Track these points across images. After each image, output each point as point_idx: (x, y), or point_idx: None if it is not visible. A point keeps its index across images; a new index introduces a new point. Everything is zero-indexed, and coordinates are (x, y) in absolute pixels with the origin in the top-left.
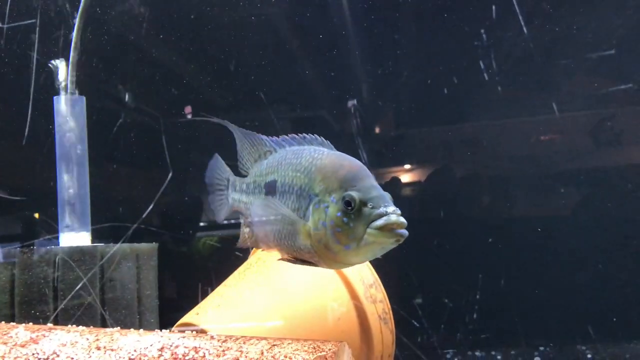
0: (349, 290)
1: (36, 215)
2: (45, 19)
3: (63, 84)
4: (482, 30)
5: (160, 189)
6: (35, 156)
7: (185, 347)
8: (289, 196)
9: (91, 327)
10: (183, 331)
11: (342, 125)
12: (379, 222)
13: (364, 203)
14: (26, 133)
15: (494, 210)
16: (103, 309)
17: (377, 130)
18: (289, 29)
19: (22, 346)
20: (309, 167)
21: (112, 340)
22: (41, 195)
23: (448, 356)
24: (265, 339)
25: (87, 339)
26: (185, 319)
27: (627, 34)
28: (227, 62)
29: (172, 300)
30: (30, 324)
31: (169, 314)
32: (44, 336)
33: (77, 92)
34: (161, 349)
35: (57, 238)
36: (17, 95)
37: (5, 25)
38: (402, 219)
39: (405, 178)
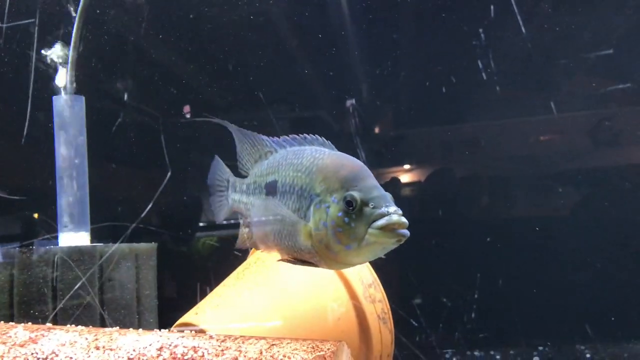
0: (348, 290)
1: (35, 215)
2: (45, 18)
3: (62, 85)
4: (481, 30)
5: (159, 188)
6: (34, 156)
7: (184, 346)
8: (289, 196)
9: (90, 326)
10: (182, 331)
11: (342, 126)
12: (381, 222)
13: (365, 203)
14: (25, 133)
15: (494, 210)
16: (102, 309)
17: (376, 130)
18: (288, 29)
19: (21, 346)
20: (310, 167)
21: (111, 339)
22: (40, 195)
23: (447, 356)
24: (264, 338)
25: (86, 339)
26: (184, 318)
27: (627, 34)
28: (226, 61)
29: (171, 300)
30: (29, 323)
31: (168, 314)
32: (43, 336)
33: (75, 89)
34: (160, 349)
35: (56, 238)
36: (16, 94)
37: (4, 25)
38: (404, 219)
39: (405, 178)
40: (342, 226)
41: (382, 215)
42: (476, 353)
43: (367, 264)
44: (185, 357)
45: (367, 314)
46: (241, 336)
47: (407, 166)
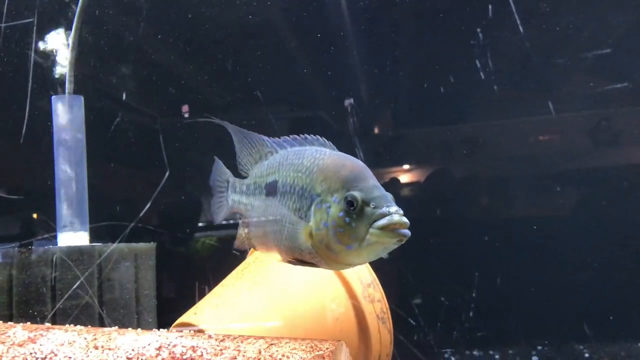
0: (347, 289)
1: (34, 215)
2: (44, 18)
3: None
4: (479, 30)
5: (158, 188)
6: (33, 156)
7: (183, 346)
8: (290, 197)
9: (89, 326)
10: (181, 331)
11: (341, 126)
12: (382, 222)
13: (366, 203)
14: (23, 132)
15: (493, 210)
16: (101, 309)
17: (375, 130)
18: (287, 29)
19: (20, 345)
20: (311, 168)
21: (110, 339)
22: (39, 195)
23: (446, 355)
24: (262, 338)
25: (85, 338)
26: (183, 318)
27: (627, 34)
28: (225, 61)
29: (171, 300)
30: (28, 323)
31: (167, 314)
32: (42, 335)
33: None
34: (159, 348)
35: (55, 237)
36: (15, 94)
37: (3, 25)
38: (405, 219)
39: (404, 178)
40: (343, 226)
41: (383, 215)
42: (475, 352)
43: (366, 263)
44: (184, 357)
45: (366, 313)
46: (240, 336)
47: (406, 166)
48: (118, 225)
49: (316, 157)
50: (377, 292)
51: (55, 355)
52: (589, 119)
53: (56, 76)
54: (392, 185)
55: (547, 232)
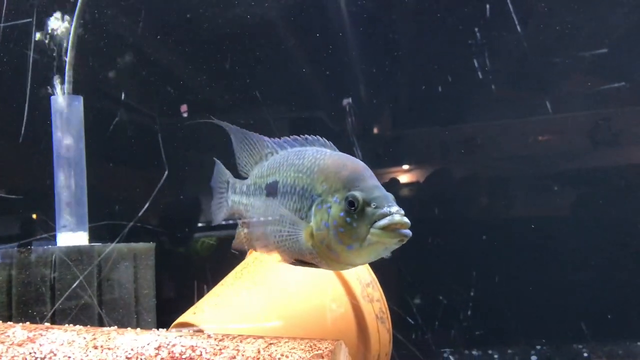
0: (346, 289)
1: (34, 216)
2: (43, 17)
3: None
4: (477, 29)
5: (157, 187)
6: (32, 155)
7: (182, 345)
8: (290, 197)
9: (88, 326)
10: (180, 330)
11: (340, 126)
12: (383, 222)
13: (367, 203)
14: (22, 132)
15: (493, 210)
16: (100, 309)
17: (375, 130)
18: (286, 29)
19: (20, 345)
20: (312, 168)
21: (109, 339)
22: (38, 195)
23: (445, 355)
24: (261, 337)
25: (84, 338)
26: (182, 318)
27: (627, 33)
28: (224, 61)
29: (170, 301)
30: (28, 323)
31: (166, 314)
32: (41, 335)
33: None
34: (158, 348)
35: (55, 237)
36: (14, 94)
37: (2, 24)
38: (406, 219)
39: (404, 179)
40: (344, 226)
41: (384, 215)
42: (474, 352)
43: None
44: (183, 356)
45: (365, 313)
46: (239, 335)
47: (406, 166)
48: (117, 225)
49: (317, 157)
50: (376, 291)
51: (55, 355)
52: (589, 119)
53: (55, 76)
54: (391, 186)
55: (547, 232)
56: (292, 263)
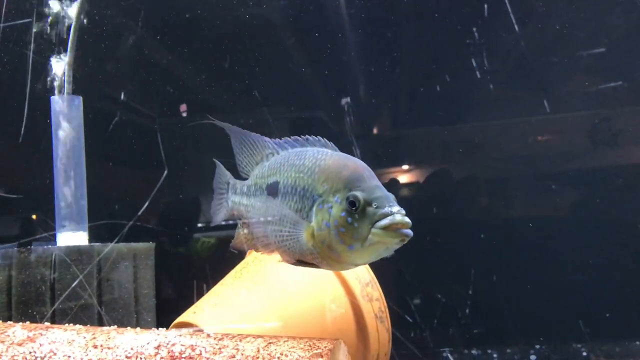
0: (346, 289)
1: (34, 216)
2: (42, 17)
3: (59, 84)
4: (476, 30)
5: (156, 186)
6: (32, 156)
7: (181, 345)
8: (291, 197)
9: (88, 325)
10: (180, 330)
11: (340, 126)
12: (384, 221)
13: (368, 203)
14: (22, 132)
15: (493, 210)
16: (100, 309)
17: (375, 131)
18: (285, 29)
19: (19, 345)
20: (313, 168)
21: (109, 338)
22: (38, 195)
23: (444, 354)
24: (261, 336)
25: (84, 338)
26: (182, 318)
27: (626, 33)
28: (223, 61)
29: (170, 300)
30: (28, 322)
31: (166, 314)
32: (41, 335)
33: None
34: (158, 347)
35: (54, 236)
36: (14, 94)
37: (2, 24)
38: (407, 219)
39: (403, 179)
40: (345, 226)
41: (386, 215)
42: (474, 351)
43: None
44: (183, 356)
45: (364, 312)
46: (238, 335)
47: (405, 167)
48: (117, 225)
49: (318, 157)
50: (376, 291)
51: (55, 354)
52: (589, 119)
53: (55, 76)
54: (391, 186)
55: (546, 231)
56: (293, 263)
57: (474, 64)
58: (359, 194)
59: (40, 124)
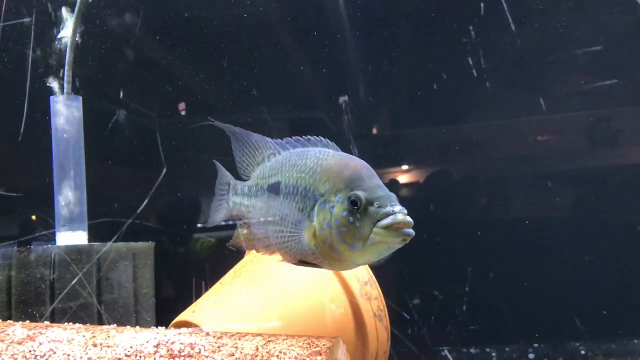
0: (345, 287)
1: (33, 217)
2: (42, 17)
3: (57, 86)
4: (474, 29)
5: (155, 184)
6: (32, 155)
7: (180, 343)
8: (293, 197)
9: (88, 324)
10: (179, 328)
11: (339, 126)
12: (386, 221)
13: (370, 202)
14: (22, 132)
15: (492, 210)
16: (100, 308)
17: (374, 131)
18: (284, 28)
19: (19, 343)
20: (314, 168)
21: (109, 337)
22: (38, 195)
23: (443, 353)
24: (260, 335)
25: (84, 336)
26: (181, 317)
27: (626, 33)
28: (222, 61)
29: (169, 300)
30: (27, 321)
31: (165, 314)
32: (41, 333)
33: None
34: (157, 345)
35: (54, 235)
36: (14, 94)
37: (1, 24)
38: (409, 218)
39: (403, 179)
40: (346, 226)
41: (387, 215)
42: (472, 350)
43: None
44: (182, 354)
45: (363, 311)
46: (237, 333)
47: (405, 167)
48: (117, 225)
49: (319, 157)
50: (374, 290)
51: (54, 352)
52: (588, 119)
53: (54, 76)
54: (391, 186)
55: (546, 231)
56: (294, 263)
57: (474, 63)
58: (360, 193)
59: (40, 124)
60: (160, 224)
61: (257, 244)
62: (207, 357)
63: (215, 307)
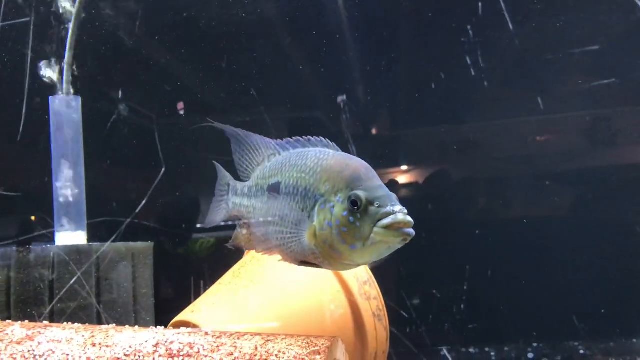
0: (344, 287)
1: (33, 217)
2: (41, 17)
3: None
4: (472, 28)
5: (154, 183)
6: (31, 155)
7: (180, 343)
8: (293, 197)
9: (87, 324)
10: (178, 328)
11: (338, 127)
12: (386, 220)
13: (370, 202)
14: (20, 132)
15: (492, 210)
16: (99, 307)
17: (373, 131)
18: (283, 28)
19: (18, 343)
20: (315, 168)
21: (108, 336)
22: (37, 195)
23: (442, 353)
24: (259, 334)
25: (83, 336)
26: (180, 317)
27: (625, 32)
28: (220, 61)
29: (168, 300)
30: (26, 321)
31: (164, 314)
32: (40, 333)
33: (72, 91)
34: (156, 345)
35: (53, 235)
36: (13, 94)
37: (1, 24)
38: (409, 218)
39: (402, 179)
40: (347, 225)
41: (388, 214)
42: (471, 350)
43: None
44: (181, 353)
45: (362, 311)
46: (236, 332)
47: (404, 167)
48: (116, 224)
49: (320, 157)
50: (374, 289)
51: (53, 352)
52: (588, 119)
53: (54, 76)
54: (390, 187)
55: (545, 231)
56: (295, 263)
57: (473, 63)
58: (361, 193)
59: (39, 124)
60: (160, 224)
61: (257, 244)
62: (206, 356)
63: (214, 307)
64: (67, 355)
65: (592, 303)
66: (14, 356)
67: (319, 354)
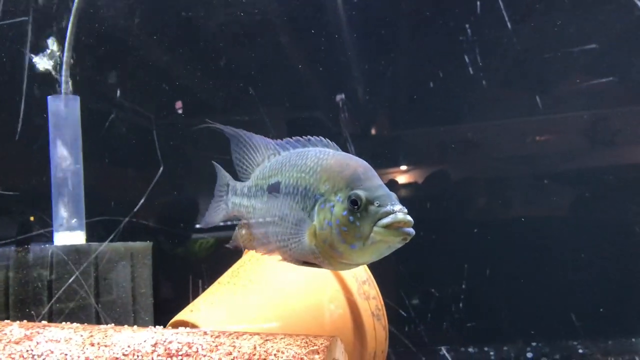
0: (343, 287)
1: (31, 218)
2: (39, 17)
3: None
4: (472, 28)
5: (152, 183)
6: (29, 155)
7: (178, 342)
8: (293, 197)
9: (85, 324)
10: (177, 328)
11: (338, 127)
12: (386, 220)
13: (370, 202)
14: (19, 131)
15: (491, 210)
16: (97, 307)
17: (372, 131)
18: (282, 28)
19: (17, 343)
20: (315, 168)
21: (106, 336)
22: (36, 195)
23: (441, 352)
24: (258, 334)
25: (81, 336)
26: (179, 316)
27: (625, 32)
28: (220, 61)
29: (167, 300)
30: (25, 321)
31: (163, 314)
32: (38, 333)
33: (71, 90)
34: (155, 345)
35: (51, 234)
36: (11, 93)
37: None
38: (409, 217)
39: (402, 179)
40: (347, 225)
41: (388, 214)
42: (470, 349)
43: None
44: (180, 353)
45: (361, 311)
46: (235, 332)
47: (404, 167)
48: (114, 224)
49: (320, 157)
50: (372, 289)
51: (52, 352)
52: (587, 119)
53: (52, 76)
54: (390, 187)
55: (545, 231)
56: (295, 263)
57: (472, 63)
58: (361, 192)
59: (38, 124)
60: (159, 224)
61: (256, 244)
62: (204, 356)
63: (212, 307)
64: (66, 355)
65: (592, 303)
66: (13, 356)
67: (318, 353)
